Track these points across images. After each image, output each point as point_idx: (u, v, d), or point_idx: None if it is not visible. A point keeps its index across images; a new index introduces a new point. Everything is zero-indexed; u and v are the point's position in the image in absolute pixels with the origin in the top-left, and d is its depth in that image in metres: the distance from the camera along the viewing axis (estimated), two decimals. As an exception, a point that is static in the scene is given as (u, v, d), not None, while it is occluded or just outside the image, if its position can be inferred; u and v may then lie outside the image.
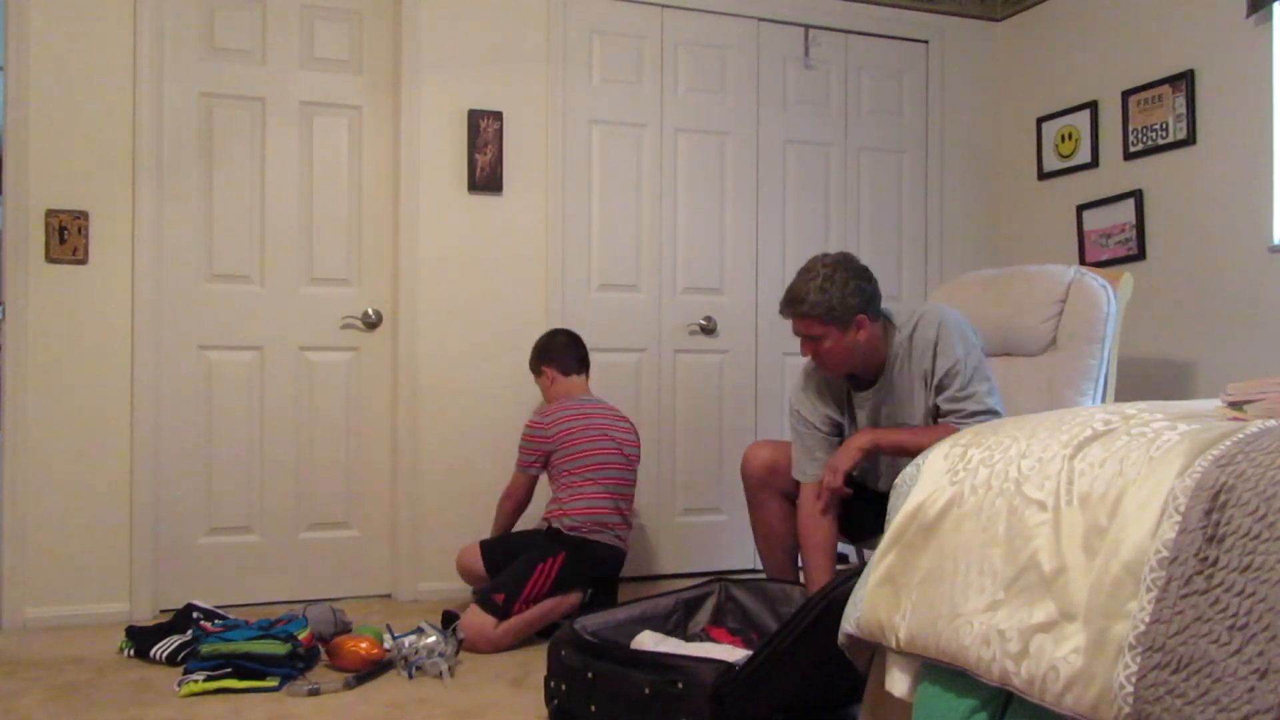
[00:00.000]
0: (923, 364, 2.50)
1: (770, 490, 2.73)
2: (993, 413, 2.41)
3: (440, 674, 2.56)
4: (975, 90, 4.28)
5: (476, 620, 2.82)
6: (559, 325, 3.62)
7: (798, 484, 2.63)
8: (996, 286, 3.13)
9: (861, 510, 2.59)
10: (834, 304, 2.41)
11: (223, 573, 3.36)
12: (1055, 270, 3.01)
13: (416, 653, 2.59)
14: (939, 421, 2.49)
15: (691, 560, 3.83)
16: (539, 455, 3.11)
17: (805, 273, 2.48)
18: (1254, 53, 3.25)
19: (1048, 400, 2.87)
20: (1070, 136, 3.94)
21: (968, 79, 4.26)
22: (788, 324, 3.88)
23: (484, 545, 3.17)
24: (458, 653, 2.68)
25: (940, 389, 2.47)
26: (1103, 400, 2.89)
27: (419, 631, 2.65)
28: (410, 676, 2.57)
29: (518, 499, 3.19)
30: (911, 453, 2.43)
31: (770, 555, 2.80)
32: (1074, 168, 3.92)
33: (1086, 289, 2.91)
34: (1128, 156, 3.68)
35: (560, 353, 3.26)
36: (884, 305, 2.55)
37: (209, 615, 2.88)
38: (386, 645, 2.65)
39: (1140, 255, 3.63)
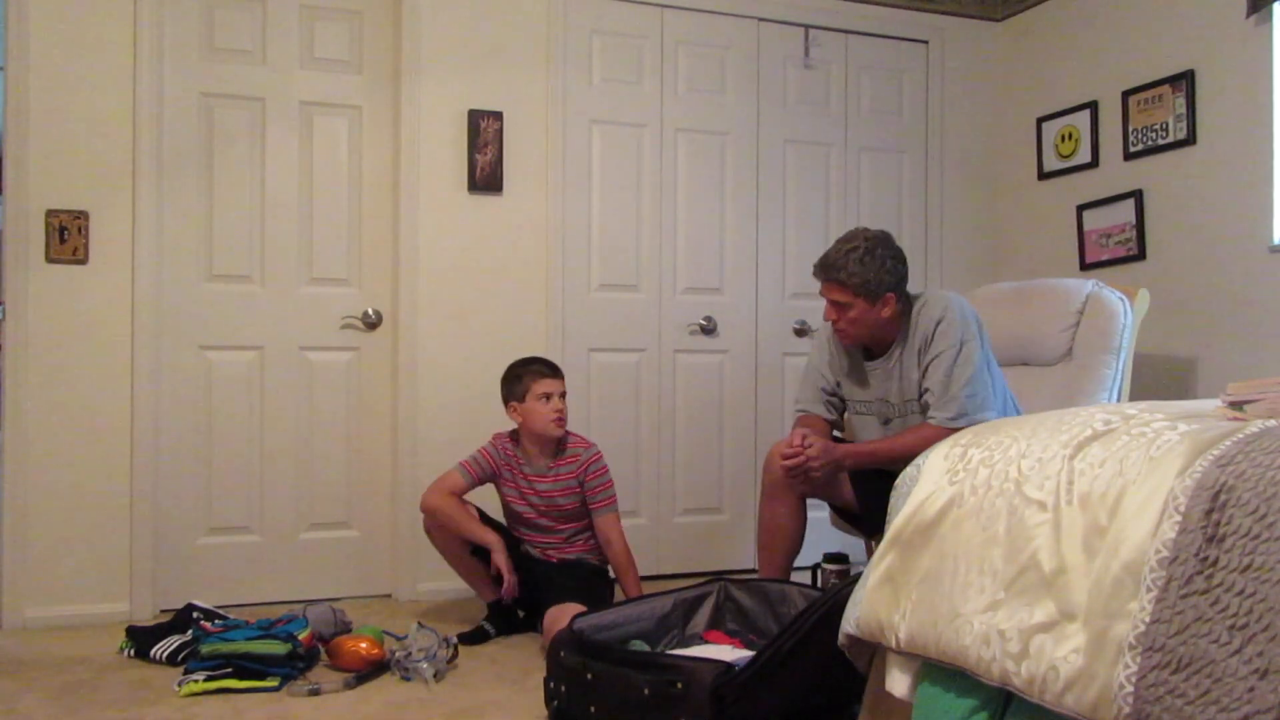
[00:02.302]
0: (923, 343, 2.57)
1: (785, 488, 2.72)
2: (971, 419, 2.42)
3: (425, 681, 2.52)
4: (975, 90, 4.28)
5: None
6: (559, 325, 3.63)
7: (813, 486, 2.68)
8: (1015, 300, 3.26)
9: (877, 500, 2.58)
10: (869, 278, 2.52)
11: (223, 573, 3.36)
12: (1072, 284, 3.15)
13: (409, 655, 2.59)
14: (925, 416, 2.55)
15: (691, 560, 3.82)
16: None
17: (847, 241, 2.57)
18: (1254, 53, 3.25)
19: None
20: (1070, 136, 3.94)
21: (968, 79, 4.26)
22: (788, 324, 4.00)
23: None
24: (453, 659, 2.68)
25: (926, 374, 2.53)
26: (1117, 409, 2.99)
27: (416, 631, 2.65)
28: (408, 678, 2.56)
29: None
30: (882, 461, 2.51)
31: (769, 554, 2.79)
32: (1074, 168, 3.92)
33: (1104, 302, 3.03)
34: (1128, 156, 3.68)
35: None
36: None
37: (209, 615, 2.88)
38: (397, 649, 2.64)
39: (1140, 255, 3.63)
